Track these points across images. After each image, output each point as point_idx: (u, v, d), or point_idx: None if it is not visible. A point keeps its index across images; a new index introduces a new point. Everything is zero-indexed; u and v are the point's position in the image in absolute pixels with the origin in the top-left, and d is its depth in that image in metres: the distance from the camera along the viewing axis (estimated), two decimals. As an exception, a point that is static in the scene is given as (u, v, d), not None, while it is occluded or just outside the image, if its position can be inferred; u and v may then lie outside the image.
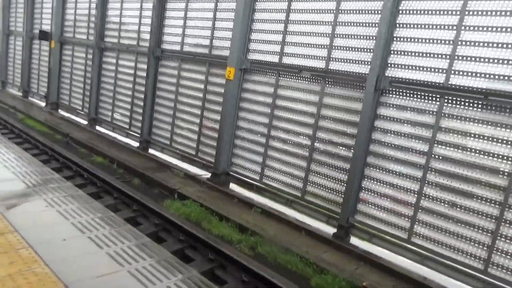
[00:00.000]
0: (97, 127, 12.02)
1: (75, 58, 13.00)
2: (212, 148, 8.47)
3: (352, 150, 6.17)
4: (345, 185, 6.27)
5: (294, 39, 6.97)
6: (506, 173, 4.84)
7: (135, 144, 10.47)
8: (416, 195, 5.55)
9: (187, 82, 9.05)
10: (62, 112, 13.71)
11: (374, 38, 5.88)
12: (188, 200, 7.32)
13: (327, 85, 6.53)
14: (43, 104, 14.63)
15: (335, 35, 6.39)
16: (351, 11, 6.19)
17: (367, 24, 6.01)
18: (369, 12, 5.97)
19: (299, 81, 6.93)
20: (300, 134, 6.96)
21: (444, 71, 5.26)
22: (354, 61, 6.18)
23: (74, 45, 12.98)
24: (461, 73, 5.15)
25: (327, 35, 6.49)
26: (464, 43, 5.09)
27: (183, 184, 8.06)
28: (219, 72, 8.26)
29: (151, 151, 10.13)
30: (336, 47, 6.40)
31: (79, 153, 9.64)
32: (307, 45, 6.78)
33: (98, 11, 11.45)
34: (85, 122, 12.43)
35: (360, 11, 6.07)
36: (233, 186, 8.15)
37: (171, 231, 5.84)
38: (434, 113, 5.37)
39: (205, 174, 8.65)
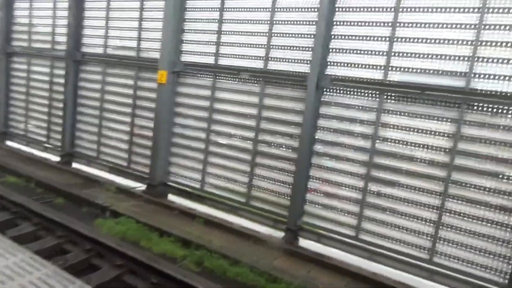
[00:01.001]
0: (8, 142, 10.57)
1: (-24, 65, 11.33)
2: (146, 157, 7.82)
3: (296, 152, 6.02)
4: (291, 187, 6.10)
5: (230, 39, 6.67)
6: (443, 164, 5.02)
7: (56, 158, 9.35)
8: (361, 192, 5.55)
9: (113, 88, 8.28)
10: (-38, 128, 11.85)
11: (313, 36, 5.80)
12: (122, 216, 6.60)
13: (267, 86, 6.32)
14: None
15: (273, 34, 6.22)
16: (289, 9, 6.06)
17: (305, 22, 5.91)
18: (307, 10, 5.88)
19: (238, 82, 6.63)
20: (242, 137, 6.67)
21: (383, 67, 5.33)
22: (294, 60, 6.06)
23: (-27, 50, 11.30)
24: (398, 69, 5.25)
25: (265, 34, 6.30)
26: (399, 39, 5.20)
27: (116, 200, 7.29)
28: (150, 76, 7.66)
29: (75, 165, 9.11)
30: (274, 46, 6.23)
31: (-14, 174, 8.31)
32: (244, 45, 6.52)
33: (3, 12, 10.09)
34: (-7, 138, 10.86)
35: (298, 9, 5.97)
36: (172, 197, 7.59)
37: (106, 256, 5.15)
38: (375, 109, 5.41)
39: (140, 186, 7.96)
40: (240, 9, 6.53)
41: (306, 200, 5.99)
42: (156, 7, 7.46)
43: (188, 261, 5.46)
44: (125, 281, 4.72)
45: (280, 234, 6.20)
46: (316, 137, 5.88)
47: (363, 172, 5.53)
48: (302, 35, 5.96)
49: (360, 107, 5.53)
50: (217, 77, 6.84)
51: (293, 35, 6.05)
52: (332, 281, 5.14)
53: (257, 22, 6.36)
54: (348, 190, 5.66)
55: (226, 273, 5.23)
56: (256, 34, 6.40)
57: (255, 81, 6.44)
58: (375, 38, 5.36)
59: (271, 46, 6.26)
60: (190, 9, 7.08)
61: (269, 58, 6.30)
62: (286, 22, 6.11)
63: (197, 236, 6.05)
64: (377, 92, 5.38)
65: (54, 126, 9.39)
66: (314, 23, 5.79)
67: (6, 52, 10.21)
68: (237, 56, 6.61)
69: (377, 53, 5.36)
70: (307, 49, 5.92)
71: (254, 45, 6.43)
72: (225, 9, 6.68)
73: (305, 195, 5.99)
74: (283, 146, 6.23)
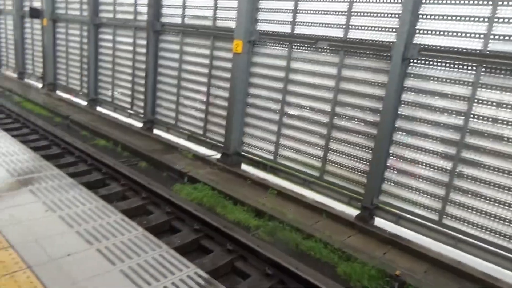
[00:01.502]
0: (98, 108, 11.52)
1: (70, 36, 12.32)
2: (221, 127, 8.00)
3: (376, 127, 5.69)
4: (368, 164, 5.84)
5: (307, 6, 6.35)
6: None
7: (139, 124, 10.00)
8: (448, 174, 5.12)
9: (190, 58, 8.47)
10: (60, 93, 13.16)
11: (400, 1, 5.27)
12: (199, 183, 6.93)
13: (347, 56, 5.97)
14: (40, 85, 14.06)
15: (355, 0, 5.78)
16: (373, -28, 5.54)
17: (391, -14, 5.38)
18: (395, -29, 5.33)
19: (315, 52, 6.36)
20: (318, 110, 6.46)
21: (482, 35, 4.70)
22: (377, 28, 5.60)
23: (67, 22, 12.27)
24: (501, 37, 4.60)
25: (345, 0, 5.87)
26: (506, 2, 4.51)
27: (193, 166, 7.65)
28: (225, 46, 7.67)
29: (156, 131, 9.67)
30: (356, 13, 5.80)
31: (81, 137, 9.19)
32: (323, 12, 6.17)
33: (91, -16, 10.70)
34: (85, 103, 11.91)
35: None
36: (245, 167, 7.75)
37: (185, 220, 5.47)
38: (470, 83, 4.85)
39: (215, 155, 8.23)
40: (320, -27, 6.13)
41: (385, 178, 5.70)
42: (233, -26, 7.33)
43: (261, 231, 5.59)
44: (202, 245, 4.98)
45: (354, 211, 6.04)
46: (400, 112, 5.48)
47: (452, 153, 5.07)
48: (387, 0, 5.45)
49: (453, 81, 4.99)
50: (293, 47, 6.61)
51: (377, 0, 5.55)
52: (410, 265, 4.92)
53: (339, -14, 5.94)
54: (433, 171, 5.26)
55: (299, 246, 5.27)
56: (336, 0, 5.99)
57: (334, 51, 6.12)
58: (474, 1, 4.70)
59: (352, 13, 5.84)
60: (267, -25, 6.83)
61: (350, 26, 5.90)
62: (370, -14, 5.62)
63: (270, 207, 6.14)
64: (474, 64, 4.78)
65: (137, 94, 9.97)
66: (403, -14, 5.24)
67: (94, 24, 10.90)
68: (315, 25, 6.30)
69: (476, 19, 4.72)
70: (392, 15, 5.41)
71: (334, 12, 6.06)
72: (304, -26, 6.32)
73: (383, 173, 5.70)
74: (362, 121, 5.93)
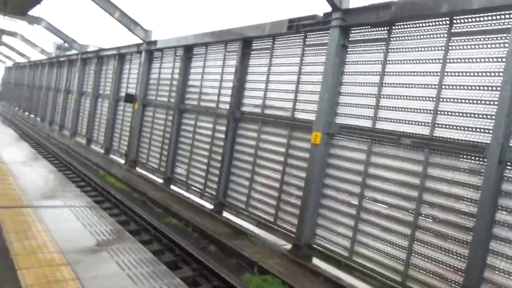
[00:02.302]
0: (172, 186, 12.07)
1: (155, 119, 13.58)
2: (293, 216, 7.86)
3: (469, 232, 5.19)
4: (463, 273, 5.22)
5: (390, 103, 6.43)
6: None
7: (209, 206, 10.20)
8: None
9: (267, 145, 8.76)
10: (139, 170, 14.13)
11: (495, 103, 5.12)
12: (268, 275, 6.64)
13: (433, 154, 5.77)
14: (122, 161, 15.29)
15: (441, 99, 5.74)
16: (462, 73, 5.55)
17: (483, 88, 5.30)
18: (486, 74, 5.29)
19: (397, 148, 6.25)
20: (399, 207, 6.13)
21: None
22: (467, 128, 5.42)
23: (155, 107, 13.62)
24: None
25: (431, 99, 5.86)
26: None
27: (262, 256, 7.43)
28: (302, 136, 7.88)
29: (225, 214, 9.75)
30: (442, 112, 5.72)
31: (155, 214, 9.55)
32: (406, 109, 6.18)
33: (180, 76, 11.99)
34: (161, 181, 12.59)
35: (473, 73, 5.42)
36: (316, 261, 7.35)
37: (256, 317, 5.16)
38: None
39: (284, 244, 7.98)
40: (403, 74, 6.28)
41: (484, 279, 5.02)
42: (314, 71, 7.78)
43: None
44: None
45: (445, 328, 5.30)
46: (497, 219, 4.99)
47: None
48: (479, 101, 5.33)
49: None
50: (374, 141, 6.58)
51: (467, 100, 5.46)
52: None
53: (422, 86, 5.99)
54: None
55: None
56: (420, 98, 6.01)
57: (418, 148, 5.96)
58: None
59: (439, 112, 5.76)
60: (348, 73, 7.15)
61: (436, 125, 5.79)
62: (458, 87, 5.59)
63: (346, 312, 5.62)
64: None
65: (211, 176, 10.35)
66: (496, 88, 5.13)
67: (179, 109, 11.97)
68: (397, 121, 6.28)
69: None
70: (485, 116, 5.24)
71: (418, 110, 6.03)
72: (386, 74, 6.52)
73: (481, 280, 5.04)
74: (451, 223, 5.46)
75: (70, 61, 23.25)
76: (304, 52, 8.00)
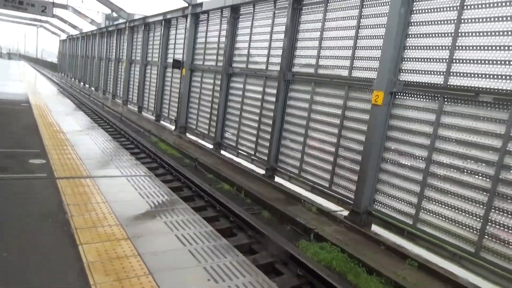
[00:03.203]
0: (222, 152, 12.01)
1: (203, 84, 13.41)
2: (350, 181, 7.44)
3: None
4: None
5: (467, 55, 5.62)
6: None
7: (261, 171, 10.02)
8: None
9: (321, 107, 8.26)
10: (189, 136, 14.23)
11: None
12: (326, 242, 6.37)
13: (520, 112, 5.01)
14: (173, 127, 15.47)
15: (533, 47, 4.89)
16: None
17: None
18: None
19: (475, 106, 5.51)
20: (474, 172, 5.50)
21: None
22: None
23: (203, 72, 13.42)
24: None
25: (520, 47, 5.02)
26: None
27: (318, 222, 7.15)
28: (361, 96, 7.28)
29: (277, 179, 9.53)
30: (535, 62, 4.89)
31: (207, 179, 9.53)
32: (488, 61, 5.37)
33: (228, 39, 11.57)
34: (211, 146, 12.58)
35: None
36: (376, 229, 6.96)
37: (316, 286, 4.93)
38: None
39: (341, 210, 7.63)
40: (485, 20, 5.42)
41: None
42: (374, 24, 7.04)
43: (404, 313, 4.73)
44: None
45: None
46: None
47: None
48: None
49: None
50: (446, 100, 5.87)
51: None
52: None
53: (506, 33, 5.13)
54: None
55: None
56: (505, 48, 5.17)
57: (502, 106, 5.20)
58: None
59: (529, 62, 4.94)
60: (414, 24, 6.35)
61: (525, 77, 4.98)
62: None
63: (414, 283, 5.24)
64: None
65: (262, 140, 10.08)
66: None
67: (227, 73, 11.66)
68: (476, 76, 5.51)
69: None
70: None
71: (502, 62, 5.21)
72: (462, 21, 5.67)
73: None
74: (541, 191, 4.79)
75: (118, 30, 23.55)
76: (364, 3, 7.22)
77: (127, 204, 4.41)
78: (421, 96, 6.24)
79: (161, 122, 16.98)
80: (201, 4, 13.08)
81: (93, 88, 30.47)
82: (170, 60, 15.89)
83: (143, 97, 19.33)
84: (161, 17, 16.59)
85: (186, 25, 14.29)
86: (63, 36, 46.99)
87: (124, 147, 9.02)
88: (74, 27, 36.55)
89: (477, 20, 5.51)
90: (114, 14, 25.32)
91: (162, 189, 5.19)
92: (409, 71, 6.44)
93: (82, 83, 35.35)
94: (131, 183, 5.22)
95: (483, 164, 5.40)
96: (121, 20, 22.51)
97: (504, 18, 5.18)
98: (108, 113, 18.76)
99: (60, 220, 3.72)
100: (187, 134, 14.46)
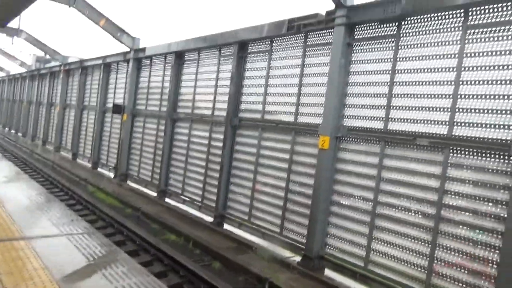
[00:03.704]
0: (167, 199, 11.50)
1: (146, 130, 13.01)
2: (301, 226, 7.44)
3: (500, 239, 4.85)
4: (493, 280, 4.87)
5: (403, 102, 6.09)
6: None
7: (209, 219, 9.68)
8: None
9: (269, 152, 8.33)
10: (131, 183, 13.50)
11: (520, 97, 4.83)
12: (281, 292, 6.18)
13: (454, 155, 5.43)
14: (112, 175, 14.62)
15: (460, 96, 5.43)
16: (480, 68, 5.25)
17: (504, 82, 5.01)
18: (508, 67, 5.00)
19: (413, 150, 5.90)
20: (419, 212, 5.77)
21: None
22: (491, 126, 5.11)
23: (146, 117, 13.06)
24: None
25: (449, 96, 5.54)
26: None
27: (271, 270, 6.95)
28: (308, 141, 7.49)
29: (226, 226, 9.25)
30: (462, 110, 5.40)
31: (151, 230, 8.97)
32: (422, 108, 5.84)
33: (172, 84, 11.49)
34: (154, 194, 12.00)
35: (498, 67, 5.11)
36: (329, 273, 6.92)
37: None
38: None
39: (293, 256, 7.53)
40: (416, 71, 5.96)
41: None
42: (316, 72, 7.43)
43: None
44: None
45: None
46: (531, 220, 4.67)
47: None
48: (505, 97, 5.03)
49: None
50: (387, 144, 6.22)
51: (488, 96, 5.16)
52: None
53: (440, 83, 5.67)
54: None
55: None
56: (437, 96, 5.69)
57: (437, 149, 5.62)
58: None
59: (457, 110, 5.45)
60: (354, 73, 6.80)
61: (455, 123, 5.47)
62: (476, 82, 5.29)
63: (372, 329, 5.19)
64: None
65: (209, 186, 9.84)
66: (521, 82, 4.83)
67: (171, 118, 11.45)
68: (413, 121, 5.94)
69: None
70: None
71: (435, 109, 5.70)
72: (397, 72, 6.19)
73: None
74: (484, 229, 5.11)
75: (52, 73, 22.45)
76: (306, 53, 7.64)
77: (70, 269, 3.91)
78: (364, 140, 6.56)
79: (98, 169, 16.00)
80: (143, 50, 12.98)
81: (20, 134, 28.22)
82: (109, 105, 15.33)
83: (78, 143, 18.23)
84: (100, 61, 16.14)
85: (127, 70, 14.01)
86: (-13, 78, 43.66)
87: (59, 199, 8.26)
88: (1, 69, 34.25)
89: (410, 70, 6.03)
90: (47, 56, 24.23)
91: (109, 247, 4.72)
92: (352, 117, 6.79)
93: (7, 129, 32.62)
94: (73, 243, 4.69)
95: (426, 204, 5.70)
96: (54, 63, 21.53)
97: (436, 69, 5.72)
98: (38, 161, 17.32)
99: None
100: (128, 181, 13.72)
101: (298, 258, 7.34)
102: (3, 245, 4.28)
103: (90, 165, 16.58)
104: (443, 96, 5.62)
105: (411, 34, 6.05)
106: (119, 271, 3.99)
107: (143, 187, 12.84)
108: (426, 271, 5.61)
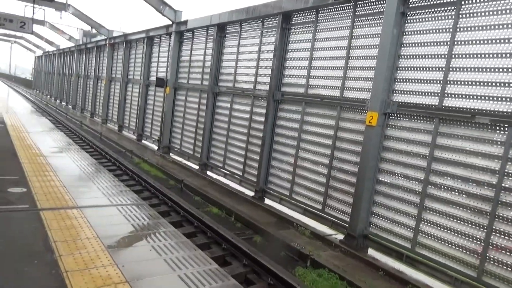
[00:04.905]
0: (208, 172, 11.69)
1: (188, 103, 13.14)
2: (344, 204, 7.28)
3: None
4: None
5: (462, 76, 5.62)
6: None
7: (249, 193, 9.74)
8: None
9: (312, 128, 8.12)
10: (173, 156, 13.83)
11: None
12: (323, 269, 6.12)
13: (518, 134, 4.99)
14: (155, 147, 15.04)
15: (529, 70, 4.91)
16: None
17: None
18: None
19: (471, 128, 5.48)
20: (474, 195, 5.42)
21: None
22: None
23: (188, 90, 13.16)
24: None
25: (515, 70, 5.04)
26: None
27: (312, 247, 6.91)
28: (354, 117, 7.19)
29: (267, 201, 9.27)
30: (531, 85, 4.90)
31: (194, 202, 9.17)
32: (483, 83, 5.37)
33: (214, 57, 11.40)
34: (196, 167, 12.23)
35: None
36: (372, 253, 6.77)
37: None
38: None
39: (335, 234, 7.43)
40: (478, 42, 5.44)
41: None
42: (366, 44, 7.02)
43: None
44: None
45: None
46: None
47: None
48: None
49: None
50: (441, 121, 5.82)
51: None
52: None
53: (504, 56, 5.15)
54: None
55: None
56: (501, 70, 5.18)
57: (499, 128, 5.18)
58: None
59: (525, 84, 4.95)
60: (407, 45, 6.35)
61: (522, 100, 4.98)
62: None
63: (418, 312, 5.04)
64: None
65: (250, 161, 9.85)
66: None
67: (213, 92, 11.44)
68: (472, 97, 5.49)
69: None
70: None
71: (498, 84, 5.21)
72: (456, 43, 5.69)
73: None
74: (544, 214, 4.73)
75: (98, 47, 23.10)
76: (355, 24, 7.22)
77: (121, 240, 4.04)
78: (416, 117, 6.19)
79: (143, 142, 16.52)
80: (185, 22, 12.92)
81: (70, 106, 29.65)
82: (152, 78, 15.59)
83: (124, 116, 18.85)
84: (143, 35, 16.33)
85: (170, 43, 14.08)
86: (39, 53, 45.91)
87: (107, 169, 8.59)
88: (51, 43, 35.77)
89: (470, 42, 5.53)
90: (93, 31, 24.90)
91: (157, 220, 4.83)
92: (403, 92, 6.40)
93: (58, 101, 34.37)
94: (122, 213, 4.85)
95: (485, 186, 5.33)
96: (100, 37, 22.11)
97: (501, 41, 5.20)
98: (87, 132, 18.14)
99: (48, 262, 3.32)
100: (170, 154, 14.07)
101: (340, 236, 7.24)
102: (58, 214, 4.49)
103: (135, 137, 17.15)
104: (509, 70, 5.11)
105: (473, 1, 5.49)
106: (167, 244, 4.07)
107: (185, 159, 13.12)
108: (479, 257, 5.32)
